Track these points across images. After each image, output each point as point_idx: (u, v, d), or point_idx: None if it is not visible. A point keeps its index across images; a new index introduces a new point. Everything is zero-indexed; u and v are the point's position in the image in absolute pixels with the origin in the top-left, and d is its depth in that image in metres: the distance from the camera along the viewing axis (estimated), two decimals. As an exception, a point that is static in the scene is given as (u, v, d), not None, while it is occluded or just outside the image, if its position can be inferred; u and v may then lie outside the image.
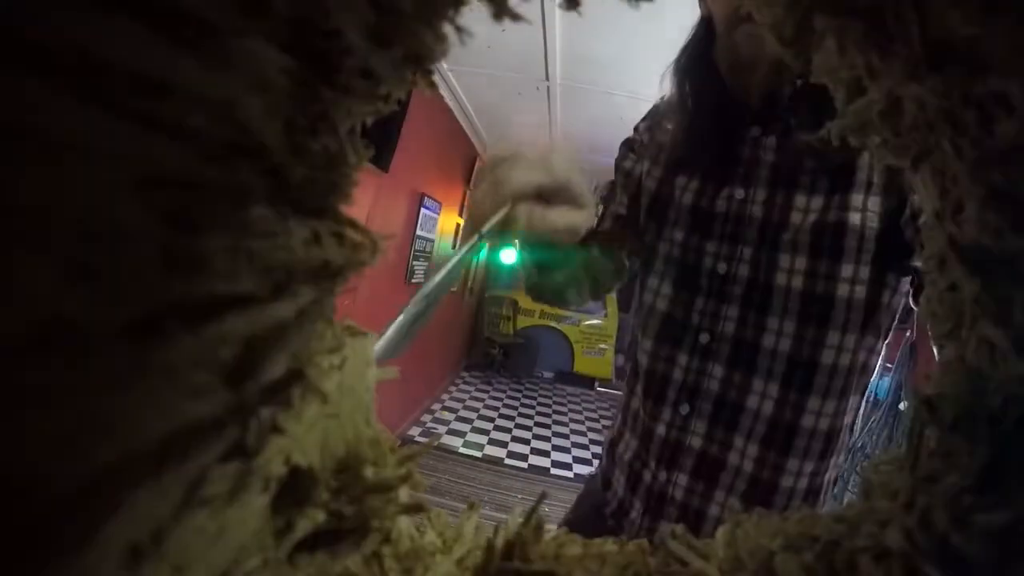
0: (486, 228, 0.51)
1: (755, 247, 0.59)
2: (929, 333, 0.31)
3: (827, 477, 0.61)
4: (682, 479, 0.62)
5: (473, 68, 2.63)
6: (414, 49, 0.33)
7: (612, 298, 5.85)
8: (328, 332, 0.33)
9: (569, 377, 5.88)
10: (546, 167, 0.53)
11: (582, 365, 6.50)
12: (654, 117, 0.80)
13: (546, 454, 3.68)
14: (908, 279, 0.58)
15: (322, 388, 0.27)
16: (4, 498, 0.13)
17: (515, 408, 4.60)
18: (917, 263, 0.52)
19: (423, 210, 3.09)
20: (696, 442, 0.61)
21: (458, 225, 4.03)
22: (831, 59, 0.32)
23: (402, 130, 2.45)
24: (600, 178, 1.09)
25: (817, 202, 0.55)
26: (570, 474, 3.39)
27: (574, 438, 4.11)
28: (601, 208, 0.80)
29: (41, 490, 0.13)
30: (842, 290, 0.53)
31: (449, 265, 0.51)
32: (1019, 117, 0.23)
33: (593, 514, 0.77)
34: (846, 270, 0.53)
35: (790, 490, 0.57)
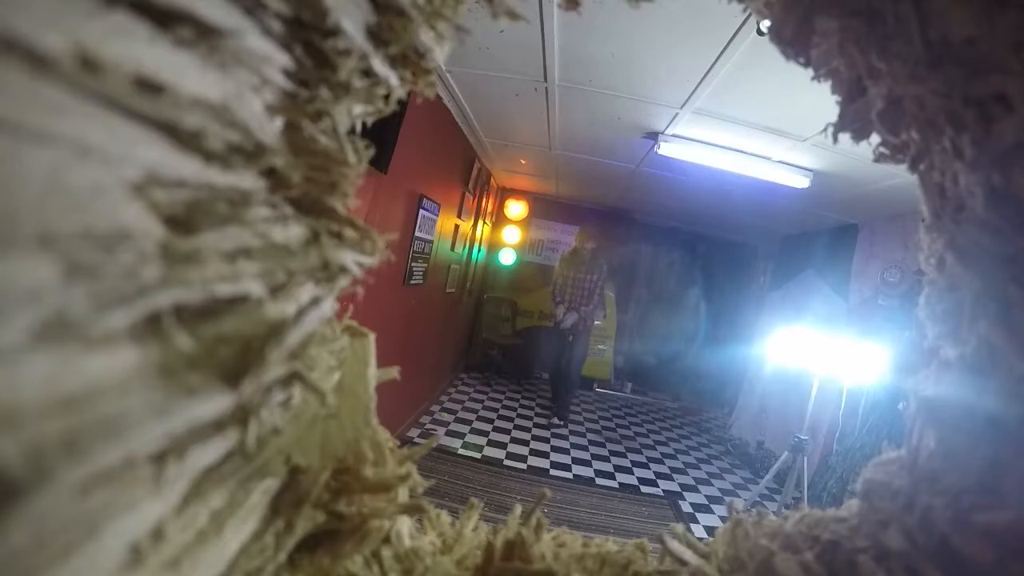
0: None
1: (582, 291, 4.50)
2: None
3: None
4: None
5: (471, 69, 2.63)
6: (414, 49, 0.33)
7: (611, 299, 5.89)
8: (328, 332, 0.33)
9: (568, 378, 5.92)
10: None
11: (581, 366, 6.49)
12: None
13: (545, 455, 3.68)
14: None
15: (322, 388, 0.27)
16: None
17: (514, 409, 4.59)
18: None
19: (421, 211, 3.08)
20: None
21: (457, 226, 4.04)
22: (831, 58, 0.32)
23: (400, 131, 2.45)
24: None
25: (589, 279, 4.34)
26: (569, 475, 3.38)
27: (573, 439, 4.10)
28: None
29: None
30: (588, 296, 4.36)
31: None
32: (1019, 116, 0.23)
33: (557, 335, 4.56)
34: (587, 295, 4.34)
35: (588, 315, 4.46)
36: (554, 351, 4.61)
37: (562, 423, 4.43)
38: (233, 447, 0.22)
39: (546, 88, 2.70)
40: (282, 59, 0.24)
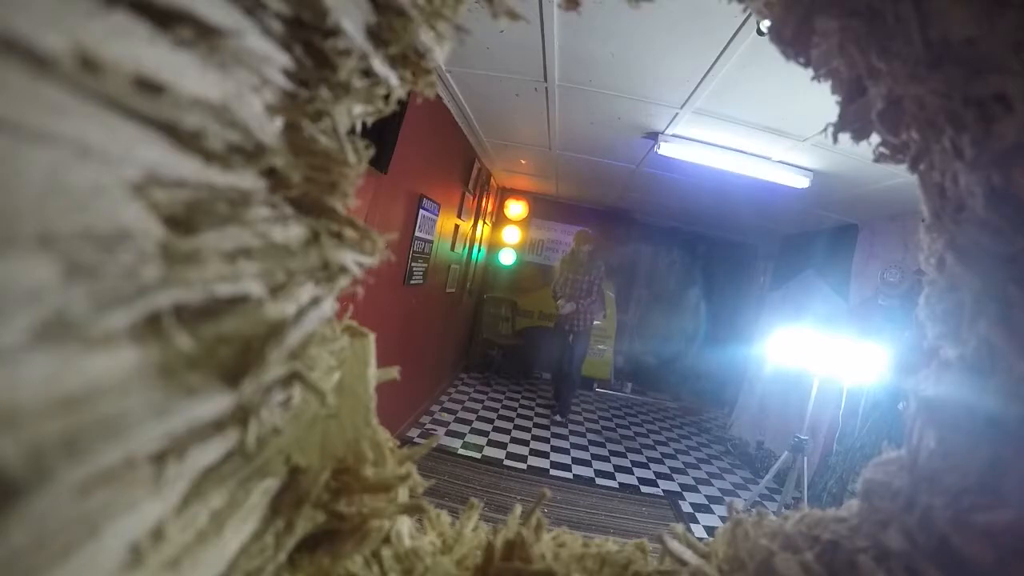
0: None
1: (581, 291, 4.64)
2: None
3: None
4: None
5: (471, 69, 2.63)
6: (414, 49, 0.33)
7: (611, 299, 5.89)
8: (328, 332, 0.33)
9: (568, 378, 5.93)
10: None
11: (581, 366, 6.48)
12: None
13: (545, 455, 3.67)
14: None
15: (322, 388, 0.27)
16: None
17: (514, 409, 4.58)
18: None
19: (421, 211, 3.08)
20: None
21: (457, 226, 4.04)
22: (831, 58, 0.32)
23: (400, 131, 2.45)
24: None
25: (587, 280, 4.57)
26: (569, 475, 3.38)
27: (573, 439, 4.10)
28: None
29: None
30: (587, 291, 4.48)
31: None
32: (1019, 116, 0.23)
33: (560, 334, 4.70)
34: (586, 291, 4.47)
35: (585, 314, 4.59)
36: (556, 351, 4.73)
37: (562, 421, 4.53)
38: (233, 447, 0.22)
39: (546, 88, 2.70)
40: (282, 59, 0.24)
